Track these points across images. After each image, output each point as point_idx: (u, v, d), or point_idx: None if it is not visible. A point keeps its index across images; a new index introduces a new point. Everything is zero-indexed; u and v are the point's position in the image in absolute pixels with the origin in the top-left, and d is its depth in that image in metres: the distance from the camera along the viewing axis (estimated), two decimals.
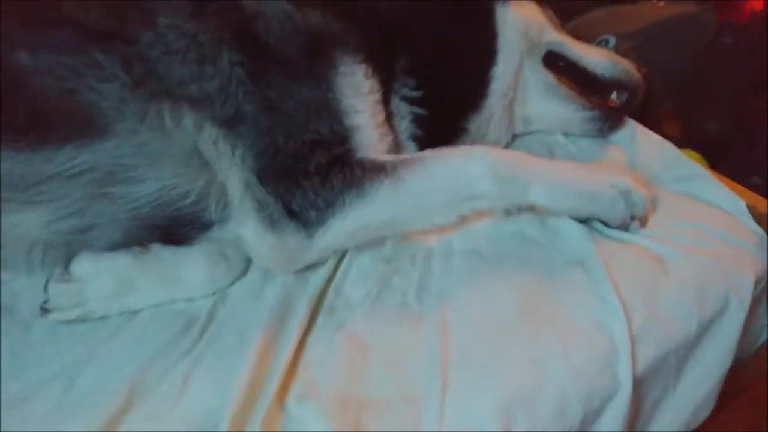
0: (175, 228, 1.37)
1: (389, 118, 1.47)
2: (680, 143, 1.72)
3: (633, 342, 1.20)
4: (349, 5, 1.43)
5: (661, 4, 2.10)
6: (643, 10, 2.10)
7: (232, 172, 1.32)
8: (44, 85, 1.27)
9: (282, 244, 1.30)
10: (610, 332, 1.21)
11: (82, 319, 1.30)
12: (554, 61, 1.69)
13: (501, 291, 1.30)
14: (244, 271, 1.39)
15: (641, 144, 1.66)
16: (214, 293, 1.35)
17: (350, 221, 1.31)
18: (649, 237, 1.39)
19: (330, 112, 1.33)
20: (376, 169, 1.32)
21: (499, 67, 1.59)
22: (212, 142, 1.31)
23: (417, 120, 1.52)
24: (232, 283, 1.37)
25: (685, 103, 1.99)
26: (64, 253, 1.36)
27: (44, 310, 1.29)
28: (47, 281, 1.31)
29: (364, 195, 1.30)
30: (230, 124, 1.30)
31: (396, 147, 1.49)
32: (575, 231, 1.39)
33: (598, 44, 1.95)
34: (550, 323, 1.23)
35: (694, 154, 1.80)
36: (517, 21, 1.63)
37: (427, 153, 1.38)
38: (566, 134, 1.74)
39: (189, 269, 1.34)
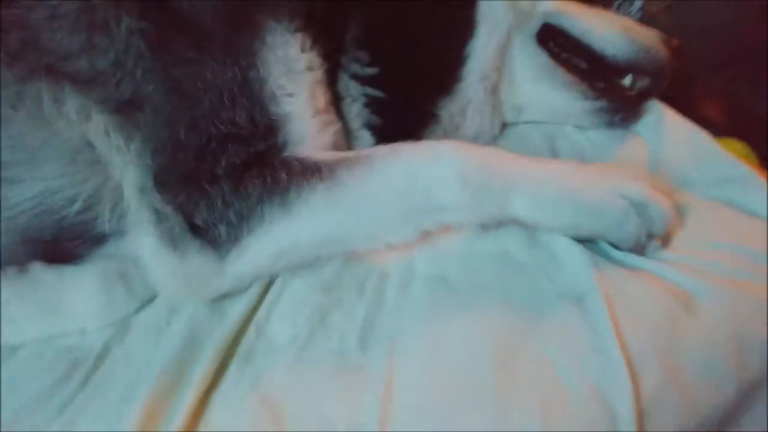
0: (61, 242, 1.12)
1: (336, 101, 1.20)
2: (723, 131, 1.39)
3: (641, 415, 0.89)
4: None
5: None
6: None
7: (128, 172, 1.06)
8: None
9: (185, 267, 1.03)
10: (609, 402, 0.89)
11: None
12: (553, 36, 1.37)
13: (470, 335, 0.99)
14: (150, 298, 1.11)
15: (669, 134, 1.31)
16: (110, 325, 1.09)
17: (273, 239, 1.03)
18: (671, 263, 1.06)
19: (251, 95, 1.06)
20: (308, 172, 1.04)
21: (478, 41, 1.29)
22: (103, 133, 1.06)
23: (372, 104, 1.24)
24: (135, 312, 1.10)
25: (731, 77, 1.59)
26: None
27: None
28: None
29: (289, 205, 1.02)
30: (126, 110, 1.04)
31: (346, 139, 1.21)
32: (574, 253, 1.06)
33: (619, 6, 1.59)
34: (529, 383, 0.92)
35: (739, 145, 1.42)
36: None
37: (379, 150, 1.09)
38: None
39: (77, 295, 1.09)
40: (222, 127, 1.04)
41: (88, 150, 1.07)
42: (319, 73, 1.15)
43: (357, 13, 1.21)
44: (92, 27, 1.04)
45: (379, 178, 1.04)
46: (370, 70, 1.22)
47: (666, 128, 1.32)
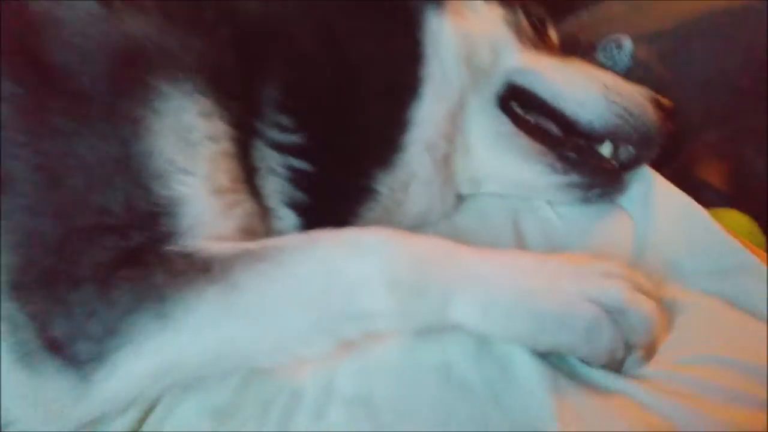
0: None
1: (249, 174, 1.00)
2: (723, 198, 1.22)
3: None
4: (197, 5, 0.99)
5: None
6: (674, 3, 1.51)
7: None
8: None
9: (41, 390, 0.82)
10: None
11: None
12: (518, 97, 1.20)
13: None
14: None
15: (659, 210, 1.10)
16: None
17: (149, 356, 0.82)
18: (651, 383, 0.85)
19: (130, 175, 0.87)
20: (194, 272, 0.83)
21: (423, 104, 1.11)
22: None
23: (296, 177, 1.04)
24: None
25: (732, 135, 1.38)
26: None
27: None
28: None
29: (166, 316, 0.81)
30: None
31: (263, 221, 1.01)
32: (532, 371, 0.86)
33: (606, 47, 1.40)
34: None
35: (741, 219, 1.20)
36: (458, 39, 1.16)
37: (291, 240, 0.89)
38: None
39: None
40: (88, 215, 0.85)
41: None
42: (225, 144, 0.96)
43: (277, 69, 1.03)
44: None
45: (289, 277, 0.84)
46: (294, 138, 1.03)
47: (656, 203, 1.11)
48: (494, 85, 1.20)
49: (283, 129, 1.03)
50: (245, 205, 0.98)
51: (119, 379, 0.82)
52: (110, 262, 0.83)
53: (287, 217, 1.04)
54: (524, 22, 1.24)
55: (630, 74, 1.36)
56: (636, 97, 1.17)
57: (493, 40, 1.21)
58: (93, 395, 0.82)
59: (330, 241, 0.87)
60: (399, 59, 1.12)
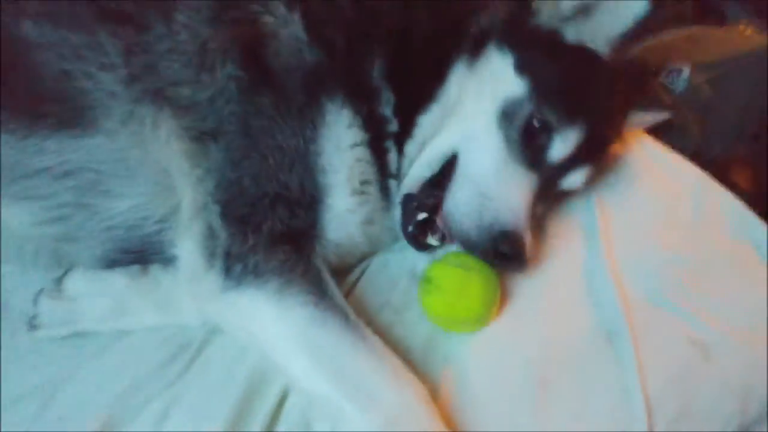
0: (148, 255, 1.28)
1: (382, 175, 1.31)
2: (747, 196, 1.53)
3: None
4: (346, 43, 1.28)
5: (749, 31, 1.88)
6: (726, 37, 1.88)
7: (189, 191, 1.21)
8: (44, 62, 1.22)
9: (204, 279, 1.17)
10: None
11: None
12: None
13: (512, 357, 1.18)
14: None
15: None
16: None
17: (253, 313, 1.15)
18: (693, 312, 1.23)
19: (306, 165, 1.20)
20: (316, 302, 1.14)
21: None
22: (177, 158, 1.22)
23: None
24: None
25: (760, 150, 1.77)
26: (53, 259, 1.32)
27: (32, 326, 1.24)
28: (37, 294, 1.26)
29: (279, 300, 1.13)
30: (203, 139, 1.21)
31: (382, 213, 1.33)
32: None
33: (669, 74, 1.76)
34: (563, 408, 1.11)
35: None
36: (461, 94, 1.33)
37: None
38: None
39: (186, 297, 1.25)
40: (278, 187, 1.18)
41: (167, 176, 1.23)
42: (361, 150, 1.26)
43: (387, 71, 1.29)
44: (201, 65, 1.22)
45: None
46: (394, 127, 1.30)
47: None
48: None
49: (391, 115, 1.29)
50: (372, 202, 1.28)
51: (240, 307, 1.15)
52: (277, 235, 1.16)
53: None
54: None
55: (684, 95, 1.73)
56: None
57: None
58: (221, 303, 1.15)
59: None
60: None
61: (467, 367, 1.18)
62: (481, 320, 1.21)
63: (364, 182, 1.27)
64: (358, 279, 1.35)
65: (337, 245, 1.25)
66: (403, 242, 1.32)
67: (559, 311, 1.25)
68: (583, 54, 1.32)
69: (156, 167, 1.24)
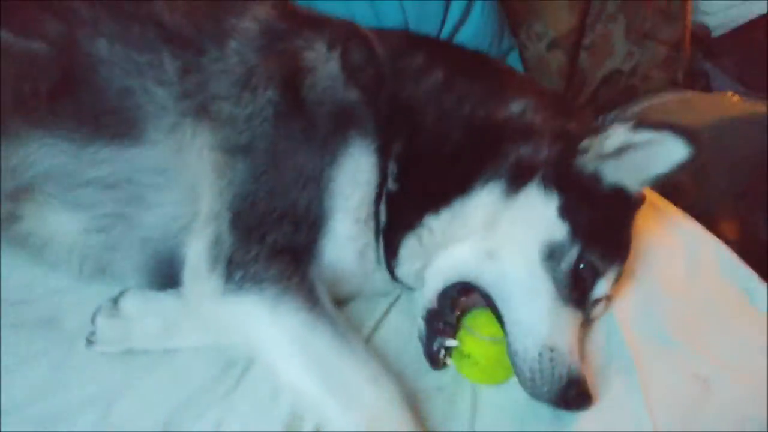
0: (178, 266, 1.34)
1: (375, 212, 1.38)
2: (734, 248, 1.68)
3: None
4: (378, 91, 1.39)
5: (735, 98, 2.08)
6: (716, 102, 2.07)
7: (209, 199, 1.31)
8: (110, 78, 1.34)
9: (204, 280, 1.26)
10: None
11: None
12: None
13: None
14: None
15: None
16: None
17: (247, 317, 1.24)
18: (695, 350, 1.37)
19: (318, 187, 1.29)
20: (309, 308, 1.23)
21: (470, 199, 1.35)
22: (210, 166, 1.32)
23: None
24: None
25: (747, 206, 1.95)
26: (97, 268, 1.41)
27: (90, 342, 1.32)
28: (95, 313, 1.34)
29: (274, 309, 1.23)
30: (233, 153, 1.31)
31: (372, 247, 1.40)
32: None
33: None
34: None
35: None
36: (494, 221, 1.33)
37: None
38: None
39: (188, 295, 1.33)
40: (287, 204, 1.27)
41: (196, 185, 1.33)
42: (371, 189, 1.34)
43: (405, 137, 1.36)
44: (245, 86, 1.34)
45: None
46: (396, 186, 1.36)
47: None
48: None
49: (394, 179, 1.36)
50: (367, 236, 1.36)
51: (237, 310, 1.24)
52: (278, 248, 1.25)
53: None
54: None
55: None
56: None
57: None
58: (220, 305, 1.24)
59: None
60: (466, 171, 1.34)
61: (490, 399, 1.29)
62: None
63: (366, 216, 1.35)
64: (389, 308, 1.46)
65: (333, 269, 1.33)
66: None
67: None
68: (619, 198, 1.33)
69: (187, 178, 1.34)
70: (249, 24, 1.42)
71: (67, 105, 1.34)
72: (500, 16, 2.11)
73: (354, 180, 1.32)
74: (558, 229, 1.27)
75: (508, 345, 1.23)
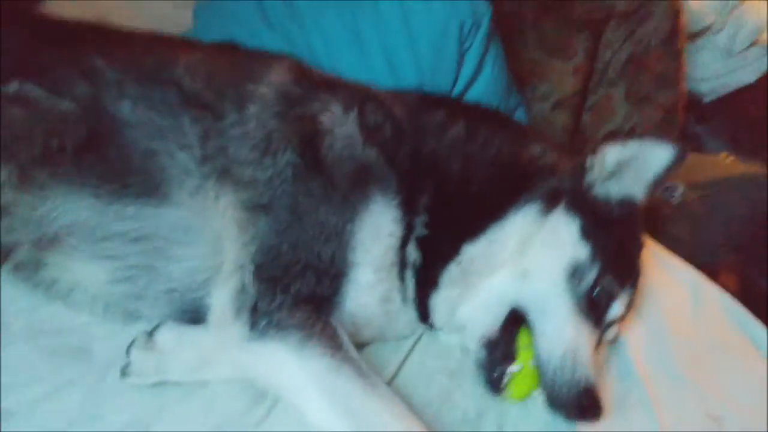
0: (201, 316, 1.39)
1: (401, 259, 1.42)
2: (735, 296, 1.78)
3: None
4: (398, 149, 1.45)
5: (730, 159, 2.20)
6: (711, 162, 2.20)
7: (232, 253, 1.36)
8: (134, 140, 1.41)
9: (229, 326, 1.31)
10: None
11: None
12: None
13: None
14: None
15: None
16: None
17: (272, 365, 1.28)
18: (705, 388, 1.44)
19: (340, 240, 1.34)
20: (332, 353, 1.27)
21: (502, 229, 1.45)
22: (233, 223, 1.38)
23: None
24: None
25: (744, 259, 2.05)
26: (121, 314, 1.45)
27: (124, 374, 1.34)
28: (130, 345, 1.38)
29: (300, 354, 1.26)
30: (256, 211, 1.37)
31: (397, 291, 1.44)
32: None
33: (666, 190, 2.03)
34: None
35: None
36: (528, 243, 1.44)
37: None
38: None
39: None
40: (311, 256, 1.31)
41: (219, 240, 1.38)
42: (395, 240, 1.39)
43: (431, 188, 1.43)
44: (265, 150, 1.40)
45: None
46: (425, 232, 1.42)
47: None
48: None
49: (423, 225, 1.41)
50: (390, 281, 1.40)
51: (255, 358, 1.29)
52: (301, 297, 1.29)
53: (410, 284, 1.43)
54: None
55: (677, 209, 2.01)
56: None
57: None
58: (245, 351, 1.28)
59: None
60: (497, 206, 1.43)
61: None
62: None
63: (389, 264, 1.40)
64: (412, 348, 1.50)
65: (353, 314, 1.37)
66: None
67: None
68: (629, 215, 1.48)
69: (211, 234, 1.39)
70: (266, 90, 1.47)
71: (93, 163, 1.40)
72: (508, 75, 2.22)
73: (375, 234, 1.37)
74: (581, 250, 1.40)
75: (536, 352, 1.34)
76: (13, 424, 1.23)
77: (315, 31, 2.06)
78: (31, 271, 1.45)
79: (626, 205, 1.47)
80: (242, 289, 1.31)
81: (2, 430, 1.21)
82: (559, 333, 1.34)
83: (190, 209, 1.40)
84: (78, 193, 1.39)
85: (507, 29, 2.30)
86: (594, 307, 1.39)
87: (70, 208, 1.39)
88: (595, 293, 1.38)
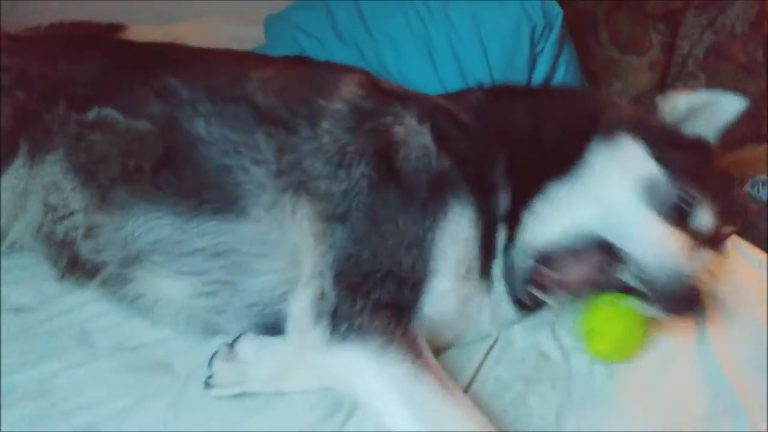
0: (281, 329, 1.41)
1: (485, 261, 1.43)
2: None
3: None
4: (470, 154, 1.45)
5: None
6: None
7: (310, 262, 1.37)
8: (209, 157, 1.45)
9: (309, 332, 1.31)
10: None
11: None
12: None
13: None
14: None
15: None
16: None
17: (361, 366, 1.28)
18: None
19: (421, 249, 1.34)
20: (413, 359, 1.26)
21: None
22: (309, 234, 1.39)
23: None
24: None
25: None
26: (202, 327, 1.49)
27: (208, 385, 1.37)
28: (213, 357, 1.41)
29: (379, 358, 1.26)
30: (332, 222, 1.37)
31: (479, 293, 1.45)
32: None
33: (753, 184, 1.93)
34: None
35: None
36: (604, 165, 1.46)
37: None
38: None
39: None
40: (390, 264, 1.32)
41: (297, 251, 1.40)
42: (473, 245, 1.39)
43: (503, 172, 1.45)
44: (339, 164, 1.41)
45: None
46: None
47: None
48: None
49: (505, 209, 1.42)
50: (469, 285, 1.40)
51: (341, 361, 1.29)
52: (382, 303, 1.30)
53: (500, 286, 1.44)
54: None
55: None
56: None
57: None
58: (325, 355, 1.29)
59: None
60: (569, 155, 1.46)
61: None
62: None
63: (467, 269, 1.39)
64: (486, 355, 1.49)
65: (431, 319, 1.36)
66: (528, 322, 1.49)
67: (681, 387, 1.39)
68: (699, 142, 1.51)
69: (288, 247, 1.41)
70: (338, 105, 1.49)
71: (171, 180, 1.45)
72: (582, 75, 2.17)
73: (454, 240, 1.37)
74: (648, 166, 1.41)
75: (632, 262, 1.33)
76: None
77: (384, 40, 2.08)
78: (117, 286, 1.51)
79: (697, 139, 1.52)
80: (322, 296, 1.32)
81: None
82: (649, 236, 1.34)
83: (268, 223, 1.42)
84: (158, 211, 1.44)
85: (579, 27, 2.25)
86: (676, 215, 1.37)
87: (152, 226, 1.44)
88: (674, 202, 1.38)
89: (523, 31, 1.99)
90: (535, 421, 1.33)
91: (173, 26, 2.48)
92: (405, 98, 1.55)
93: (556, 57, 2.07)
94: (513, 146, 1.47)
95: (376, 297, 1.30)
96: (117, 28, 1.85)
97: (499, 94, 1.64)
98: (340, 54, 2.06)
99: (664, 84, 2.40)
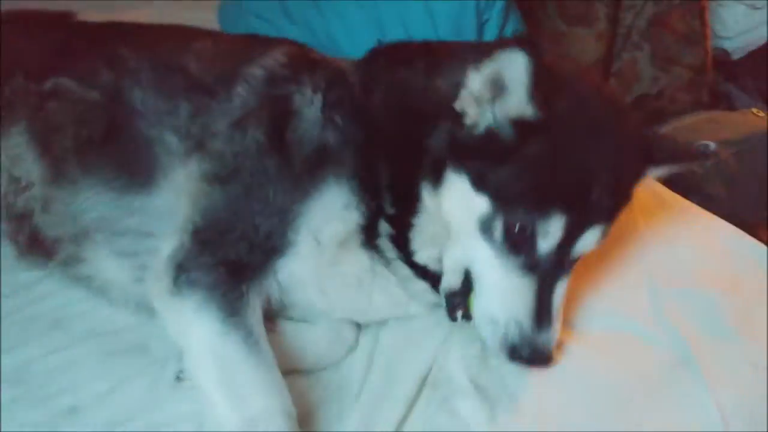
0: None
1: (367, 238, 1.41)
2: None
3: None
4: (356, 127, 1.40)
5: (762, 114, 2.18)
6: (742, 119, 2.17)
7: (181, 218, 1.37)
8: (139, 129, 1.45)
9: (158, 281, 1.32)
10: None
11: None
12: None
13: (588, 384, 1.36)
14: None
15: None
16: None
17: (192, 325, 1.28)
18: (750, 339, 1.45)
19: (282, 219, 1.33)
20: (224, 318, 1.26)
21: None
22: (188, 194, 1.39)
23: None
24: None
25: None
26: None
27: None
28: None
29: (223, 321, 1.26)
30: (213, 183, 1.38)
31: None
32: None
33: (699, 148, 2.02)
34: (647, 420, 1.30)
35: None
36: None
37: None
38: None
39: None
40: (248, 228, 1.31)
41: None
42: (350, 225, 1.37)
43: (385, 164, 1.38)
44: (237, 126, 1.40)
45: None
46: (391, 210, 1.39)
47: None
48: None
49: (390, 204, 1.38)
50: (356, 262, 1.40)
51: (170, 311, 1.30)
52: (224, 261, 1.29)
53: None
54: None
55: (711, 168, 1.99)
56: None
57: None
58: (165, 304, 1.30)
59: None
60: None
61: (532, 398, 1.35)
62: None
63: (335, 243, 1.37)
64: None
65: (288, 292, 1.37)
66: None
67: (632, 345, 1.45)
68: (539, 141, 1.24)
69: (176, 206, 1.40)
70: (256, 71, 1.48)
71: (111, 153, 1.45)
72: None
73: (326, 219, 1.35)
74: (480, 203, 1.27)
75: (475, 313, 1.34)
76: (81, 417, 1.30)
77: (335, 18, 2.11)
78: (73, 266, 1.51)
79: (521, 125, 1.23)
80: (179, 247, 1.33)
81: (71, 425, 1.28)
82: (484, 290, 1.31)
83: (166, 189, 1.43)
84: (99, 185, 1.44)
85: (528, 1, 2.29)
86: (518, 252, 1.27)
87: (94, 203, 1.44)
88: (511, 236, 1.26)
89: (468, 1, 2.03)
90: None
91: (123, 12, 2.46)
92: (315, 66, 1.50)
93: (502, 26, 2.11)
94: (390, 152, 1.40)
95: (222, 255, 1.30)
96: (67, 15, 1.83)
97: (391, 64, 1.50)
98: (291, 34, 2.05)
99: (611, 55, 2.48)
